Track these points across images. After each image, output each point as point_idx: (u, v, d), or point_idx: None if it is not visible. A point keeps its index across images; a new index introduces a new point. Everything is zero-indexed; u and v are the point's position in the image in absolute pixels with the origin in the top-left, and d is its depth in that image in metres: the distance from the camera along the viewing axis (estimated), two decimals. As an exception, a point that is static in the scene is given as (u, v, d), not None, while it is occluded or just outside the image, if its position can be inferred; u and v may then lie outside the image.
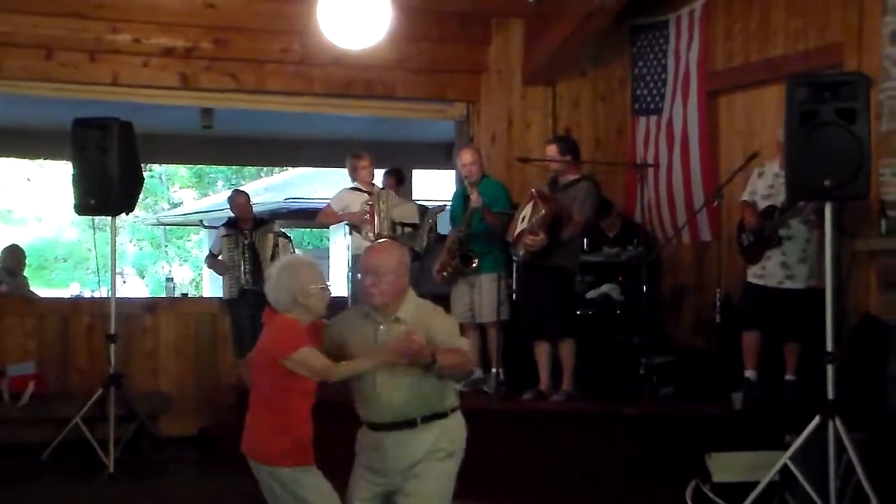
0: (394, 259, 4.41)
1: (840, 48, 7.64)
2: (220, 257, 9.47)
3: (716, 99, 8.87)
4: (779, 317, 7.20)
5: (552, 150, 7.83)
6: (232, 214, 9.68)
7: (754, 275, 7.32)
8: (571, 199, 7.54)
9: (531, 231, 7.34)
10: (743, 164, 7.65)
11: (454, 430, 4.41)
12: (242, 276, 9.19)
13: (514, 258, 7.70)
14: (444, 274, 8.02)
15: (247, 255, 9.19)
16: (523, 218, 7.51)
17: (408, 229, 8.41)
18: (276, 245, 9.25)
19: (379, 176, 9.75)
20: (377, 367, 4.27)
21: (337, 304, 5.51)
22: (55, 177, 25.73)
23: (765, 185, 7.34)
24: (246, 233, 9.32)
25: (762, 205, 7.32)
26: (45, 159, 22.09)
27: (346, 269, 8.74)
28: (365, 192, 8.60)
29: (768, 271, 7.24)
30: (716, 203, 7.83)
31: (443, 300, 8.34)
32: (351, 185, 8.82)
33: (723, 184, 7.89)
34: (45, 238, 27.25)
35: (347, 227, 8.82)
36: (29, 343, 9.09)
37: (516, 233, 7.51)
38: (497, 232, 7.80)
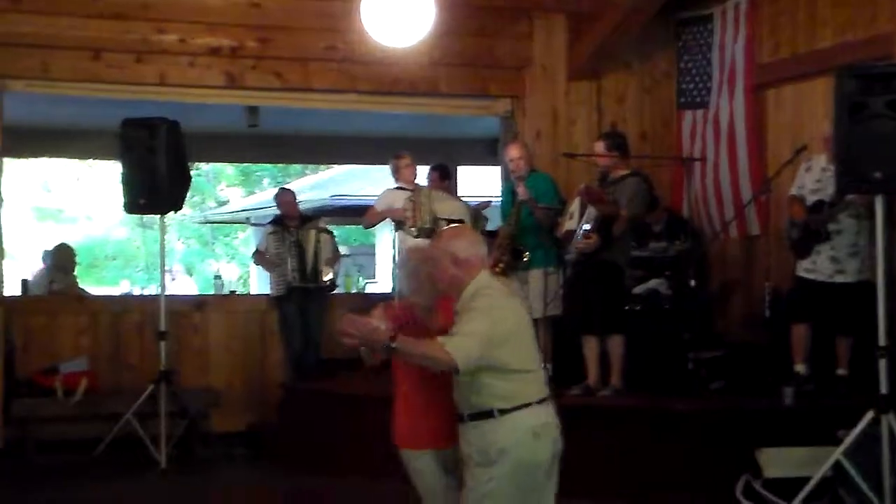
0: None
1: (889, 39, 7.54)
2: (267, 255, 9.53)
3: (763, 92, 8.79)
4: (830, 311, 7.12)
5: (600, 146, 7.81)
6: (279, 212, 9.74)
7: (804, 269, 7.25)
8: (620, 194, 7.51)
9: (585, 235, 7.34)
10: (791, 158, 7.57)
11: (500, 434, 4.01)
12: (289, 272, 9.24)
13: (567, 257, 7.68)
14: (496, 270, 8.00)
15: (293, 252, 9.24)
16: (571, 214, 7.49)
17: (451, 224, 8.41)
18: (317, 241, 9.29)
19: (424, 172, 9.78)
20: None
21: (381, 299, 5.47)
22: (104, 176, 26.00)
23: (812, 179, 7.26)
24: (292, 230, 9.37)
25: (810, 199, 7.24)
26: (94, 159, 22.33)
27: (391, 265, 8.76)
28: (409, 190, 8.63)
29: (818, 266, 7.17)
30: (764, 197, 7.77)
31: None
32: (395, 185, 8.85)
33: (770, 177, 7.82)
34: (94, 237, 27.52)
35: (393, 224, 8.83)
36: (81, 340, 9.21)
37: (564, 230, 7.50)
38: (546, 226, 7.78)
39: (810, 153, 7.45)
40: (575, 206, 7.52)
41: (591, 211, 7.40)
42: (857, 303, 6.88)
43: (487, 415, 4.03)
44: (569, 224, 7.52)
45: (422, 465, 4.33)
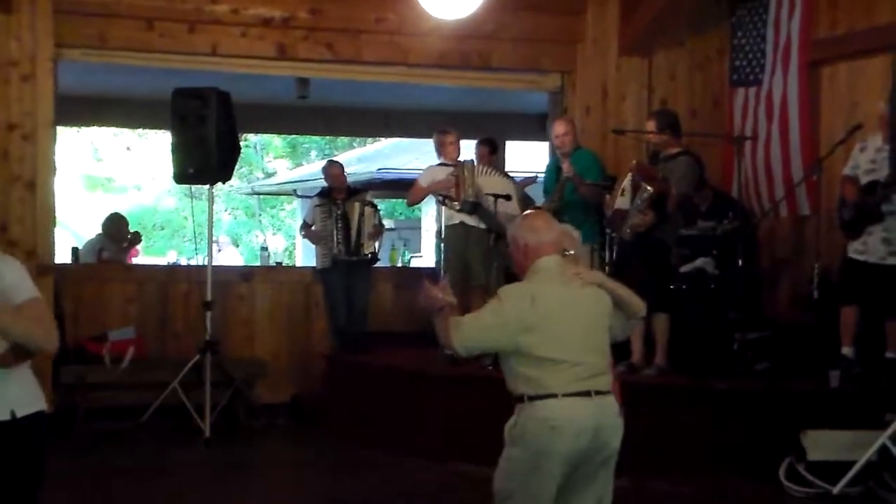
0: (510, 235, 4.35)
1: (949, 17, 7.40)
2: (313, 227, 9.57)
3: (818, 69, 8.65)
4: (880, 293, 7.03)
5: (651, 125, 7.75)
6: (326, 184, 9.76)
7: (855, 250, 7.16)
8: (670, 172, 7.46)
9: (639, 210, 7.29)
10: (845, 137, 7.45)
11: (521, 419, 4.01)
12: (335, 245, 9.26)
13: (610, 233, 7.64)
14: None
15: (339, 225, 9.25)
16: (623, 191, 7.45)
17: (500, 200, 8.36)
18: (361, 214, 9.27)
19: (471, 146, 9.75)
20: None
21: (428, 274, 5.50)
22: (154, 146, 26.23)
23: (867, 159, 7.15)
24: (339, 203, 9.38)
25: (864, 179, 7.14)
26: (144, 129, 22.52)
27: (434, 240, 8.76)
28: (452, 166, 8.59)
29: (870, 247, 7.07)
30: (815, 177, 7.67)
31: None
32: (438, 161, 8.81)
33: (823, 157, 7.71)
34: (143, 206, 27.81)
35: (438, 198, 8.81)
36: (129, 309, 9.32)
37: (615, 207, 7.45)
38: (591, 203, 7.74)
39: (865, 133, 7.34)
40: (626, 183, 7.47)
41: (644, 189, 7.34)
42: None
43: (520, 399, 4.03)
44: (620, 202, 7.47)
45: None
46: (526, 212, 4.92)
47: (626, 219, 7.43)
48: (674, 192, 7.42)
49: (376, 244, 9.29)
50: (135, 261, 12.12)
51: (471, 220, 8.34)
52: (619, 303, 4.20)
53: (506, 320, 3.98)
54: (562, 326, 4.01)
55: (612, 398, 4.13)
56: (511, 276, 9.17)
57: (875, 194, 7.01)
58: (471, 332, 3.98)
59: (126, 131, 25.66)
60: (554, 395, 3.96)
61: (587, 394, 4.00)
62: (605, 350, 4.15)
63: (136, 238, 11.20)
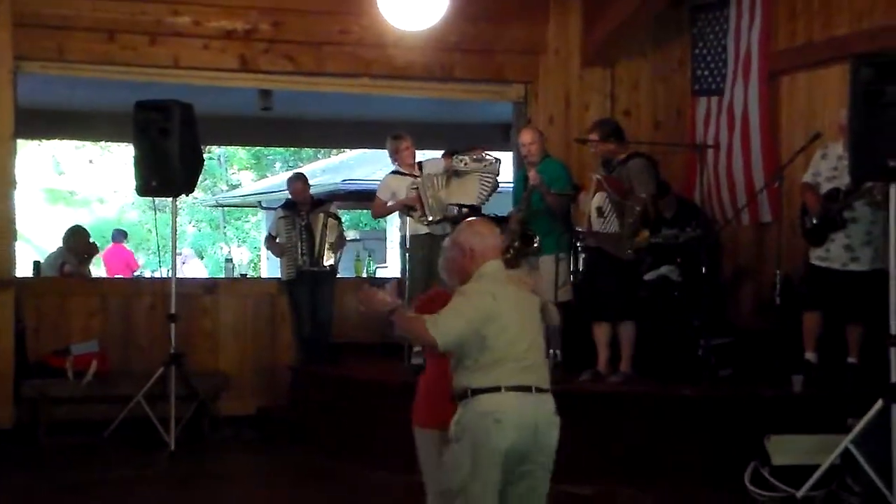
0: (448, 242, 4.54)
1: (906, 26, 7.50)
2: (277, 239, 9.54)
3: (777, 79, 8.75)
4: (842, 299, 7.11)
5: (593, 136, 7.78)
6: (290, 196, 9.74)
7: (818, 257, 7.24)
8: (626, 178, 7.51)
9: (633, 231, 7.37)
10: (805, 145, 7.54)
11: (465, 414, 4.13)
12: (299, 256, 9.23)
13: (577, 243, 7.68)
14: (507, 256, 7.99)
15: (303, 237, 9.23)
16: (601, 210, 7.47)
17: (465, 210, 8.39)
18: (325, 225, 9.24)
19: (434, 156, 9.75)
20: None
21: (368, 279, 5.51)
22: (117, 159, 26.06)
23: (828, 166, 7.24)
24: (303, 214, 9.36)
25: (826, 187, 7.22)
26: (106, 141, 22.38)
27: (399, 251, 8.76)
28: (406, 174, 8.56)
29: (832, 254, 7.15)
30: (776, 184, 7.74)
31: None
32: (392, 168, 8.78)
33: (784, 165, 7.79)
34: (106, 219, 27.61)
35: (402, 210, 8.79)
36: (92, 322, 9.23)
37: (593, 230, 7.50)
38: (558, 212, 7.78)
39: (825, 141, 7.42)
40: (598, 200, 7.50)
41: (632, 210, 7.39)
42: (870, 291, 6.85)
43: (464, 395, 4.16)
44: (597, 223, 7.49)
45: (424, 444, 4.58)
46: (469, 219, 5.08)
47: (621, 242, 7.45)
48: (643, 197, 7.46)
49: (336, 256, 9.24)
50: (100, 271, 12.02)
51: (438, 229, 8.33)
52: (543, 310, 4.41)
53: (472, 311, 4.14)
54: (510, 323, 4.19)
55: (550, 397, 4.26)
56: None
57: (837, 201, 7.09)
58: (449, 325, 4.10)
59: (88, 144, 25.49)
60: (497, 389, 4.10)
61: (528, 389, 4.15)
62: (543, 349, 4.35)
63: (93, 249, 11.10)
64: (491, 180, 8.27)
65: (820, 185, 7.26)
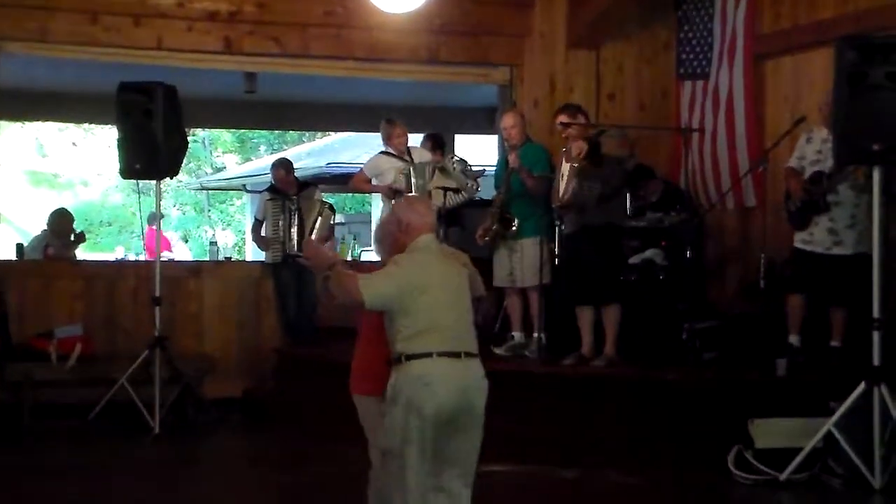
0: (384, 218, 4.93)
1: (891, 10, 7.51)
2: (264, 222, 9.51)
3: (763, 63, 8.76)
4: (826, 283, 7.13)
5: (564, 118, 7.76)
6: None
7: (802, 240, 7.26)
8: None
9: (574, 139, 7.39)
10: (789, 129, 7.56)
11: (399, 378, 4.41)
12: (287, 241, 9.21)
13: (563, 229, 7.68)
14: (487, 238, 8.02)
15: (294, 221, 9.21)
16: (563, 175, 7.50)
17: (450, 193, 8.39)
18: (319, 213, 9.23)
19: (418, 140, 9.75)
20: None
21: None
22: (101, 141, 25.94)
23: (813, 150, 7.25)
24: (293, 198, 9.34)
25: (810, 170, 7.24)
26: (90, 124, 22.26)
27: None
28: (398, 157, 8.54)
29: (816, 237, 7.18)
30: (761, 168, 7.76)
31: (486, 264, 8.37)
32: (383, 149, 8.76)
33: (768, 149, 7.81)
34: (90, 202, 27.49)
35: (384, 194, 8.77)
36: (76, 305, 9.21)
37: (561, 192, 7.49)
38: (538, 195, 7.78)
39: (810, 125, 7.44)
40: (564, 168, 7.55)
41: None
42: (854, 275, 6.89)
43: (398, 360, 4.42)
44: (562, 187, 7.52)
45: (365, 410, 4.85)
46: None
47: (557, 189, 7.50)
48: (624, 144, 7.53)
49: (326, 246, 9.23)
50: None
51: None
52: (471, 281, 4.67)
53: (404, 279, 4.43)
54: (440, 293, 4.46)
55: (478, 361, 4.53)
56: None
57: (820, 184, 7.11)
58: (379, 286, 4.40)
59: (71, 126, 25.35)
60: (429, 355, 4.37)
61: (458, 355, 4.43)
62: (471, 318, 4.59)
63: (80, 238, 11.06)
64: (461, 199, 8.45)
65: (805, 168, 7.28)
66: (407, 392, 4.36)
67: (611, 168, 7.43)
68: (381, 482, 4.67)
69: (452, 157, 8.45)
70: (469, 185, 8.50)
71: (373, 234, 4.98)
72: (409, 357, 4.38)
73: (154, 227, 17.22)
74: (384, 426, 4.49)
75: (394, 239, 4.66)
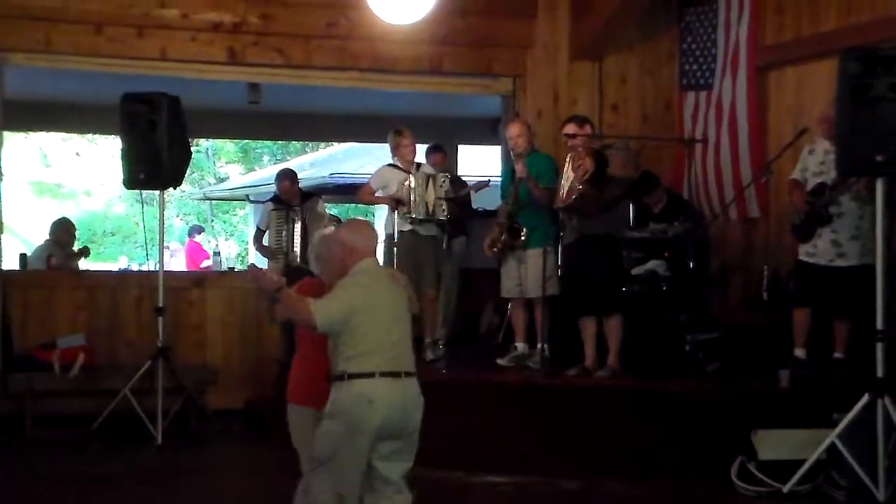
0: (327, 238, 5.01)
1: (893, 21, 7.52)
2: (267, 231, 9.51)
3: (765, 74, 8.77)
4: (830, 295, 7.12)
5: (571, 127, 7.75)
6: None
7: (806, 253, 7.26)
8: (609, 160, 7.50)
9: (579, 158, 7.32)
10: (792, 140, 7.56)
11: (337, 395, 4.61)
12: (290, 251, 9.21)
13: (562, 239, 7.69)
14: (495, 249, 8.01)
15: (296, 232, 9.21)
16: (567, 179, 7.49)
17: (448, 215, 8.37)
18: (326, 226, 9.21)
19: (423, 150, 9.75)
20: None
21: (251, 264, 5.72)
22: (104, 151, 25.97)
23: (816, 161, 7.26)
24: (296, 209, 9.34)
25: (812, 182, 7.24)
26: (94, 134, 22.30)
27: (385, 245, 8.76)
28: (403, 170, 8.53)
29: (819, 249, 7.17)
30: (764, 179, 7.76)
31: (490, 275, 8.37)
32: (390, 161, 8.76)
33: (771, 160, 7.81)
34: (93, 212, 27.53)
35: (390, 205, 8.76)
36: (79, 315, 9.20)
37: (563, 195, 7.48)
38: (545, 205, 7.77)
39: (812, 136, 7.44)
40: (568, 171, 7.55)
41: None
42: (858, 286, 6.88)
43: (340, 377, 4.61)
44: (564, 190, 7.52)
45: (301, 419, 4.97)
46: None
47: (569, 199, 7.46)
48: (627, 167, 7.51)
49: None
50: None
51: (422, 229, 8.32)
52: (409, 300, 4.91)
53: (352, 303, 4.63)
54: (382, 315, 4.69)
55: (415, 379, 4.75)
56: (463, 272, 9.22)
57: (823, 196, 7.10)
58: (330, 309, 4.59)
59: (75, 137, 25.39)
60: (372, 374, 4.59)
61: (398, 374, 4.66)
62: (410, 338, 4.82)
63: (84, 252, 11.07)
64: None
65: (808, 180, 7.28)
66: (349, 409, 4.57)
67: (612, 193, 7.43)
68: (311, 492, 4.81)
69: (444, 177, 8.43)
70: (451, 203, 8.44)
71: (312, 247, 5.16)
72: (352, 376, 4.59)
73: (194, 240, 18.00)
74: (317, 436, 4.68)
75: (339, 260, 4.83)
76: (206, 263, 16.96)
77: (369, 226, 5.17)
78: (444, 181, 8.29)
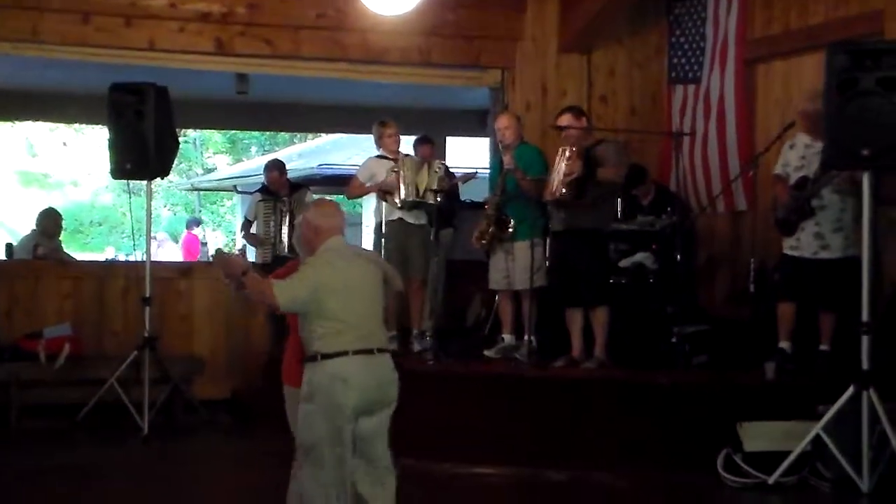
0: (299, 220, 5.05)
1: (881, 15, 7.53)
2: (255, 222, 9.50)
3: (753, 67, 8.78)
4: (814, 287, 7.15)
5: (567, 118, 7.74)
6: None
7: (790, 247, 7.28)
8: (601, 160, 7.50)
9: (569, 159, 7.32)
10: (780, 134, 7.56)
11: (311, 376, 4.61)
12: (278, 242, 9.20)
13: (550, 227, 7.69)
14: (483, 241, 8.01)
15: (286, 222, 9.21)
16: (558, 171, 7.48)
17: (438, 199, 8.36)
18: None
19: (411, 142, 9.75)
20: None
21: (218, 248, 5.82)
22: (91, 141, 25.90)
23: (797, 156, 7.29)
24: (284, 199, 9.33)
25: (794, 176, 7.27)
26: (81, 124, 22.23)
27: (374, 235, 8.76)
28: (391, 159, 8.52)
29: (802, 242, 7.19)
30: (751, 172, 7.78)
31: (477, 266, 8.38)
32: (377, 153, 8.75)
33: (759, 153, 7.82)
34: (80, 202, 27.45)
35: (378, 194, 8.75)
36: (65, 305, 9.17)
37: (554, 188, 7.47)
38: (533, 197, 7.78)
39: (794, 130, 7.46)
40: (559, 164, 7.53)
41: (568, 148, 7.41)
42: (842, 279, 6.91)
43: (313, 358, 4.61)
44: (555, 183, 7.51)
45: (296, 401, 4.84)
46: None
47: (556, 191, 7.44)
48: (618, 169, 7.48)
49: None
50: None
51: (410, 217, 8.33)
52: (387, 278, 4.88)
53: (317, 282, 4.63)
54: (351, 293, 4.67)
55: (389, 355, 4.75)
56: (450, 264, 9.23)
57: (805, 190, 7.13)
58: (293, 290, 4.60)
59: (62, 126, 25.30)
60: (345, 353, 4.58)
61: (371, 351, 4.65)
62: (381, 315, 4.82)
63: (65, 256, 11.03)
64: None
65: (790, 175, 7.31)
66: (324, 390, 4.56)
67: (595, 195, 7.43)
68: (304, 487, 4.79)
69: (440, 165, 8.44)
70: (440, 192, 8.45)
71: (294, 238, 5.26)
72: (325, 356, 4.58)
73: (192, 232, 18.13)
74: (298, 421, 4.69)
75: (307, 241, 4.88)
76: (202, 256, 17.05)
77: (335, 205, 5.17)
78: (439, 167, 8.30)
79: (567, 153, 7.40)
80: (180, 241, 19.11)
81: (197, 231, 19.20)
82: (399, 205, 8.23)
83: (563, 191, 7.36)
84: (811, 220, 7.12)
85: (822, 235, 7.12)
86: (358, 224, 19.40)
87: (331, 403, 4.55)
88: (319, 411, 4.57)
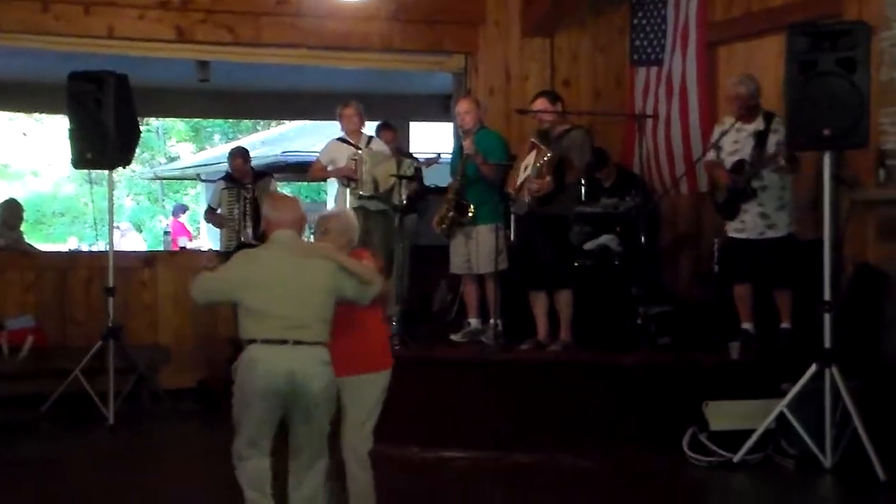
0: None
1: (840, -3, 7.59)
2: (218, 211, 9.45)
3: (715, 49, 8.82)
4: (766, 267, 7.20)
5: (542, 103, 7.77)
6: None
7: (735, 229, 7.33)
8: (566, 147, 7.53)
9: (538, 175, 7.35)
10: (741, 114, 7.60)
11: (240, 360, 4.85)
12: (243, 229, 9.17)
13: (513, 210, 7.70)
14: (444, 226, 8.01)
15: (248, 210, 9.17)
16: (526, 167, 7.50)
17: (405, 182, 8.35)
18: None
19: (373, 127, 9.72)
20: None
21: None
22: (52, 131, 25.62)
23: (729, 140, 7.35)
24: (248, 187, 9.29)
25: (729, 161, 7.32)
26: (41, 113, 22.00)
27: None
28: (352, 143, 8.49)
29: (748, 224, 7.24)
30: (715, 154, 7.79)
31: (442, 252, 8.38)
32: (339, 135, 8.71)
33: (720, 135, 7.85)
34: (42, 193, 27.17)
35: (342, 181, 8.72)
36: (28, 297, 9.11)
37: (519, 182, 7.50)
38: (493, 182, 7.78)
39: (723, 116, 7.53)
40: (529, 158, 7.53)
41: (543, 154, 7.41)
42: (790, 255, 7.01)
43: (242, 343, 4.87)
44: (523, 176, 7.52)
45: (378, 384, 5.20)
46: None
47: (523, 186, 7.48)
48: (577, 166, 7.51)
49: None
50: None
51: (371, 205, 8.32)
52: (351, 273, 4.88)
53: (229, 277, 4.85)
54: (275, 285, 4.77)
55: (315, 350, 4.79)
56: (416, 249, 9.23)
57: (743, 172, 7.18)
58: (203, 285, 4.86)
59: (22, 116, 25.03)
60: (255, 341, 4.78)
61: (284, 342, 4.74)
62: (317, 309, 4.81)
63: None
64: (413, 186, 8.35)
65: (724, 160, 7.37)
66: (242, 373, 4.81)
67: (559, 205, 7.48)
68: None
69: (411, 163, 8.46)
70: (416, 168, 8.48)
71: None
72: (246, 342, 4.82)
73: (179, 219, 18.06)
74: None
75: (264, 232, 5.06)
76: (184, 243, 16.92)
77: (290, 200, 5.34)
78: (409, 168, 8.28)
79: (539, 164, 7.39)
80: (168, 227, 19.12)
81: (183, 218, 19.09)
82: (357, 197, 8.23)
83: (528, 199, 7.41)
84: (754, 202, 7.17)
85: (766, 215, 7.17)
86: (321, 211, 19.36)
87: (244, 385, 4.80)
88: (239, 393, 4.84)
